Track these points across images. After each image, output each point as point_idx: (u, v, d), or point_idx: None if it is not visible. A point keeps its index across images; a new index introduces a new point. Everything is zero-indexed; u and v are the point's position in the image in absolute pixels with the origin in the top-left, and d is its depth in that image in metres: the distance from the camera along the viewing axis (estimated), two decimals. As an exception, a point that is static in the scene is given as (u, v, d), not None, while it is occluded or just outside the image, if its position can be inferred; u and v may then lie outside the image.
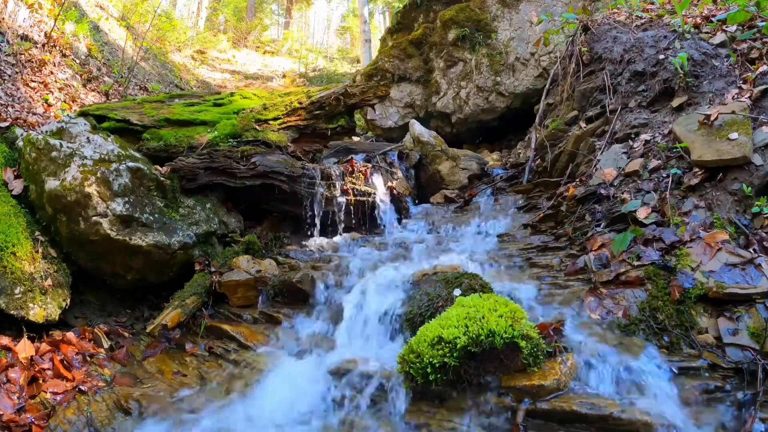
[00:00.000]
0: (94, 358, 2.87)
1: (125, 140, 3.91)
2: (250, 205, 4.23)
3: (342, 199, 4.24)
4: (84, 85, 6.39)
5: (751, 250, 2.46)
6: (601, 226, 3.10)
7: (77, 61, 6.68)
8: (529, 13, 7.02)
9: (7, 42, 5.53)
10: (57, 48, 6.25)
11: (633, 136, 3.63)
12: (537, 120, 5.24)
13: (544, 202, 4.02)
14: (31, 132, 3.63)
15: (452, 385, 2.20)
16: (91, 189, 3.15)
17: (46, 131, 3.59)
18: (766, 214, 2.58)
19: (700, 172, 2.90)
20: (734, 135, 2.85)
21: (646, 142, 3.44)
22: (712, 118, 3.00)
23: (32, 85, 5.46)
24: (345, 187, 4.27)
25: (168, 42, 12.44)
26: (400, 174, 4.89)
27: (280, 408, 2.39)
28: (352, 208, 4.29)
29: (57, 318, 3.01)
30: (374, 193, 4.41)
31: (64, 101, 5.65)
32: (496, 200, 4.59)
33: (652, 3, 4.98)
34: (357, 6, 19.83)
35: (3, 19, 5.69)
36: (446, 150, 5.34)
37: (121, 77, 7.38)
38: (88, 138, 3.51)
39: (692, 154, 2.97)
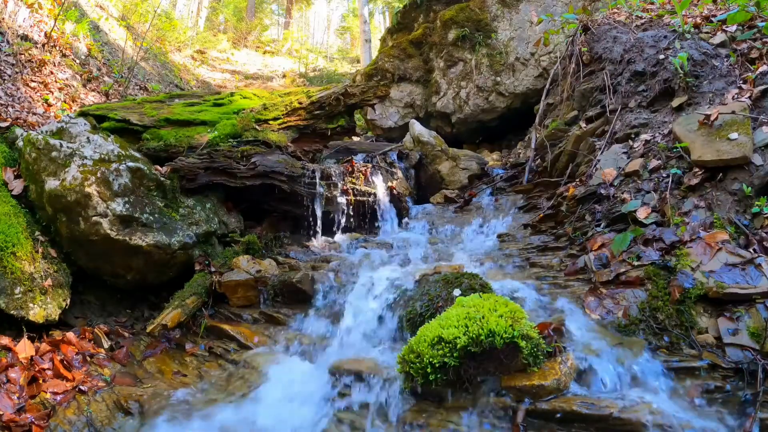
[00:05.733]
0: (94, 358, 2.87)
1: (125, 140, 3.91)
2: (250, 205, 4.23)
3: (342, 199, 4.24)
4: (84, 85, 6.39)
5: (751, 250, 2.46)
6: (601, 226, 3.10)
7: (77, 61, 6.68)
8: (529, 13, 7.02)
9: (7, 42, 5.53)
10: (57, 48, 6.25)
11: (633, 136, 3.63)
12: (537, 120, 5.24)
13: (544, 202, 4.02)
14: (31, 132, 3.63)
15: (452, 385, 2.20)
16: (91, 189, 3.15)
17: (46, 131, 3.59)
18: (766, 214, 2.58)
19: (700, 172, 2.90)
20: (734, 135, 2.85)
21: (646, 142, 3.44)
22: (712, 118, 3.00)
23: (32, 85, 5.46)
24: (345, 187, 4.27)
25: (168, 42, 12.44)
26: (400, 174, 4.89)
27: (279, 408, 2.40)
28: (352, 208, 4.29)
29: (57, 318, 3.01)
30: (374, 193, 4.41)
31: (64, 101, 5.65)
32: (496, 200, 4.59)
33: (652, 3, 4.98)
34: (357, 6, 19.83)
35: (3, 19, 5.69)
36: (446, 150, 5.34)
37: (121, 77, 7.38)
38: (88, 138, 3.51)
39: (692, 154, 2.97)
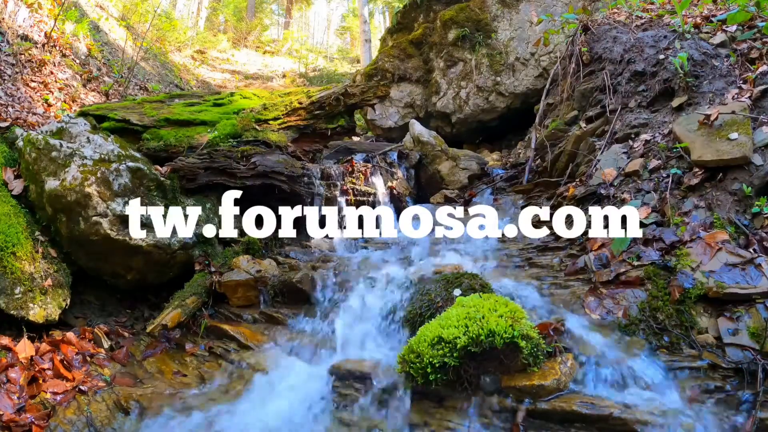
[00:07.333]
0: (94, 358, 2.87)
1: (125, 140, 3.91)
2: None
3: (342, 199, 4.24)
4: (84, 85, 6.39)
5: (751, 250, 2.46)
6: (601, 226, 3.10)
7: (77, 61, 6.68)
8: (529, 13, 7.02)
9: (7, 42, 5.53)
10: (57, 48, 6.25)
11: (633, 136, 3.63)
12: (537, 120, 5.24)
13: (544, 202, 4.02)
14: (31, 132, 3.63)
15: (452, 385, 2.20)
16: (91, 189, 3.15)
17: (46, 131, 3.59)
18: (766, 214, 2.58)
19: (700, 172, 2.90)
20: (734, 135, 2.85)
21: (646, 142, 3.44)
22: (712, 118, 3.00)
23: (32, 85, 5.46)
24: (345, 187, 4.27)
25: (168, 42, 12.43)
26: (400, 174, 4.89)
27: (280, 408, 2.39)
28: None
29: (57, 318, 3.01)
30: (374, 193, 4.41)
31: (64, 101, 5.65)
32: (496, 200, 4.58)
33: (652, 3, 4.98)
34: (357, 6, 19.83)
35: (3, 19, 5.69)
36: (446, 150, 5.34)
37: (121, 77, 7.38)
38: (88, 138, 3.51)
39: (692, 154, 2.97)
